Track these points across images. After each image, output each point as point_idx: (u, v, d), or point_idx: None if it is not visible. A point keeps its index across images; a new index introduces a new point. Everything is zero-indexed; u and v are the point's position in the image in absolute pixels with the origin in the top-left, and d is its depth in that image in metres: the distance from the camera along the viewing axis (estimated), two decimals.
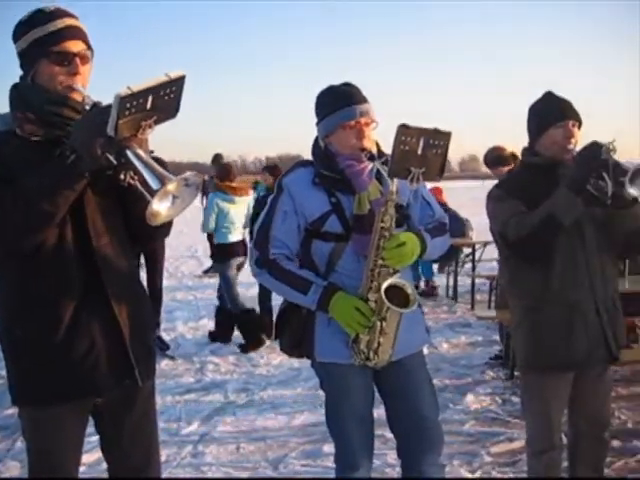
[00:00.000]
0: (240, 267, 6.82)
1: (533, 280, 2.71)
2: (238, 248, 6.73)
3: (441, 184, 11.28)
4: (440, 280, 9.49)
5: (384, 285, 2.35)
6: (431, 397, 2.69)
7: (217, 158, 10.81)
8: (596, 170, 2.48)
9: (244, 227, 6.88)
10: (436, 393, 2.79)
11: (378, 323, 2.40)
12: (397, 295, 2.38)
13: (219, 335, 6.82)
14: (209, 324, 7.44)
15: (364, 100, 2.53)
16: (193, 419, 4.60)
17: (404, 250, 2.37)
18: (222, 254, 6.74)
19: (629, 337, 5.61)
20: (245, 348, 6.42)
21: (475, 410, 4.68)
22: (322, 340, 2.54)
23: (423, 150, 2.30)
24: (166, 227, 2.14)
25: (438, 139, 2.32)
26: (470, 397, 4.90)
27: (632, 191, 2.39)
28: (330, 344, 2.52)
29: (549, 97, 2.81)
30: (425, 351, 6.38)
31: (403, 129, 2.27)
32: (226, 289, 6.75)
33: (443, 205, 9.34)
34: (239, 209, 6.77)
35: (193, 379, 5.62)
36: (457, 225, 8.50)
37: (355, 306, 2.40)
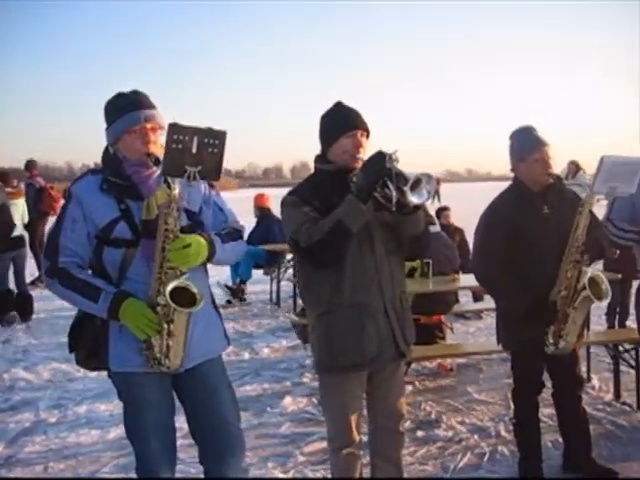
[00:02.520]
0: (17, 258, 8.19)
1: (326, 285, 2.80)
2: (14, 243, 8.02)
3: (271, 191, 11.37)
4: (264, 285, 9.61)
5: (169, 287, 2.37)
6: (231, 402, 2.73)
7: (30, 164, 10.56)
8: (381, 179, 2.60)
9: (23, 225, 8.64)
10: (236, 398, 2.82)
11: (165, 326, 2.41)
12: (185, 296, 2.40)
13: None
14: (23, 337, 7.43)
15: (150, 106, 2.55)
16: None
17: (189, 251, 2.39)
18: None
19: (437, 334, 6.01)
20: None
21: (292, 412, 4.80)
22: (116, 349, 2.52)
23: (198, 149, 2.33)
24: None
25: (213, 138, 2.36)
26: (288, 399, 5.02)
27: (412, 199, 2.55)
28: (124, 353, 2.50)
29: (339, 107, 2.93)
30: (246, 356, 6.50)
31: (174, 128, 2.30)
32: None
33: (265, 209, 9.46)
34: (15, 209, 8.30)
35: (0, 399, 5.29)
36: (281, 231, 8.67)
37: (143, 311, 2.41)
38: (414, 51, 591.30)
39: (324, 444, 4.13)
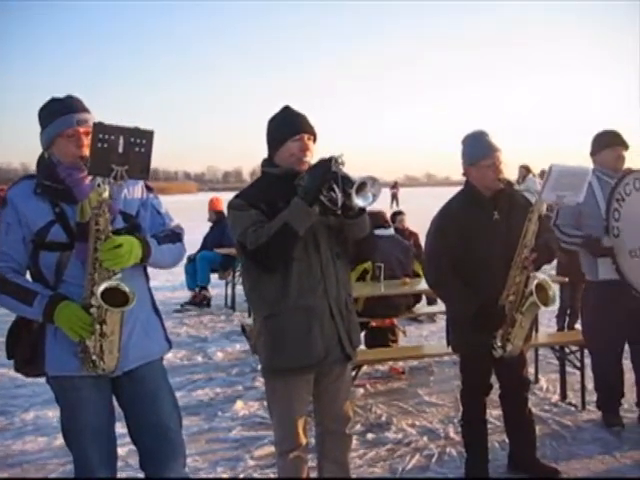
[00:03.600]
0: None
1: (272, 288, 2.80)
2: None
3: (231, 195, 11.42)
4: (219, 289, 9.57)
5: (100, 288, 2.35)
6: (172, 407, 2.72)
7: None
8: (327, 182, 2.62)
9: None
10: (177, 402, 2.81)
11: (98, 326, 2.38)
12: (118, 297, 2.38)
13: None
14: None
15: (83, 109, 2.55)
16: None
17: (120, 251, 2.37)
18: None
19: (390, 337, 6.05)
20: None
21: (243, 416, 4.78)
22: (52, 353, 2.50)
23: (125, 148, 2.32)
24: None
25: (140, 137, 2.35)
26: (239, 404, 5.00)
27: (358, 201, 2.56)
28: (60, 356, 2.48)
29: (286, 112, 2.94)
30: (199, 360, 6.46)
31: (99, 127, 2.29)
32: None
33: (220, 213, 9.40)
34: None
35: None
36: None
37: (77, 312, 2.39)
38: (379, 51, 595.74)
39: (273, 448, 4.14)
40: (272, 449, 4.07)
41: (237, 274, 8.91)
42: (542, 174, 11.85)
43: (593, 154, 4.47)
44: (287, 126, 2.86)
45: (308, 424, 3.05)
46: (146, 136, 2.36)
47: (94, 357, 2.41)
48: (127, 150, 2.32)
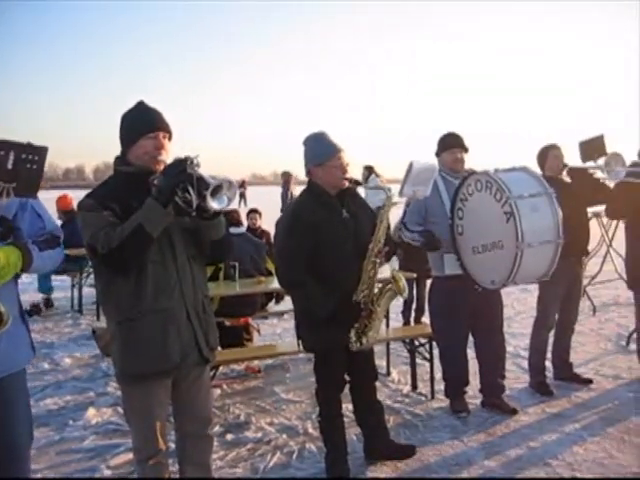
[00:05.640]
0: None
1: (126, 291, 2.70)
2: None
3: (73, 193, 10.74)
4: (65, 292, 9.14)
5: None
6: (26, 422, 2.61)
7: None
8: (182, 183, 2.57)
9: None
10: (32, 415, 2.71)
11: None
12: None
13: None
14: None
15: None
16: None
17: None
18: None
19: (244, 336, 6.05)
20: None
21: (96, 424, 4.61)
22: None
23: (15, 164, 2.19)
24: None
25: (33, 154, 2.23)
26: (91, 411, 4.81)
27: (213, 204, 2.53)
28: None
29: (140, 107, 2.85)
30: (46, 367, 6.12)
31: None
32: None
33: (70, 212, 8.95)
34: None
35: None
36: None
37: None
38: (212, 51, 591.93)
39: (131, 455, 4.00)
40: (129, 457, 3.98)
41: (84, 275, 8.55)
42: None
43: (437, 155, 4.72)
44: (141, 122, 2.77)
45: (167, 428, 3.00)
46: (39, 152, 2.24)
47: None
48: (17, 167, 2.19)
